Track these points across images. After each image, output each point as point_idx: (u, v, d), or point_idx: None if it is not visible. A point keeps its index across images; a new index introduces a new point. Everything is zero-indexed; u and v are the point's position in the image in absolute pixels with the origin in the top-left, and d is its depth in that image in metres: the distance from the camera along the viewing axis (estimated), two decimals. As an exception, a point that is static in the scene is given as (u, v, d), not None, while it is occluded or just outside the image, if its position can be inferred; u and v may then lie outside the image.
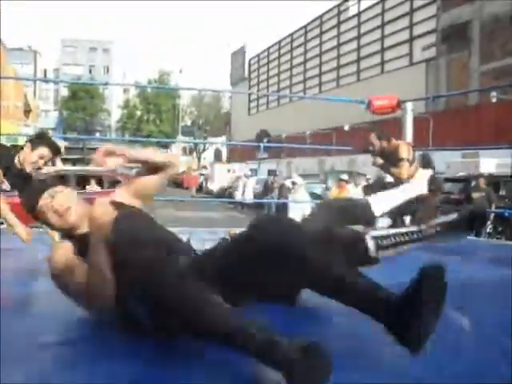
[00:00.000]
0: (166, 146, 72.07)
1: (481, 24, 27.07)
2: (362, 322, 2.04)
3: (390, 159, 5.55)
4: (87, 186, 13.87)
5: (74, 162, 55.72)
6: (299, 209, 10.39)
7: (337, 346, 1.90)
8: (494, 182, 14.19)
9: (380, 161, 5.67)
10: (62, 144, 41.87)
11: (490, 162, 17.38)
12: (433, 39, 30.84)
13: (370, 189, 6.14)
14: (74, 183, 13.64)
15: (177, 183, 40.47)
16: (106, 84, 42.07)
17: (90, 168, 19.32)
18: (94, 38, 77.41)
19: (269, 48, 52.95)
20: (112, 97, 75.44)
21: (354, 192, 10.07)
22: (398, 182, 5.52)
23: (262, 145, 22.04)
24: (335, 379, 1.66)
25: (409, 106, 7.05)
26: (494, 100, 21.86)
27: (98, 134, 73.22)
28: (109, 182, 14.08)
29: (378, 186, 6.16)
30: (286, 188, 11.42)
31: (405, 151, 5.48)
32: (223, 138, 68.93)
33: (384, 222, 4.07)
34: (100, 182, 13.98)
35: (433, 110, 26.24)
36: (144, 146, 71.38)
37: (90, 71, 77.02)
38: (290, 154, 33.22)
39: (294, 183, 10.57)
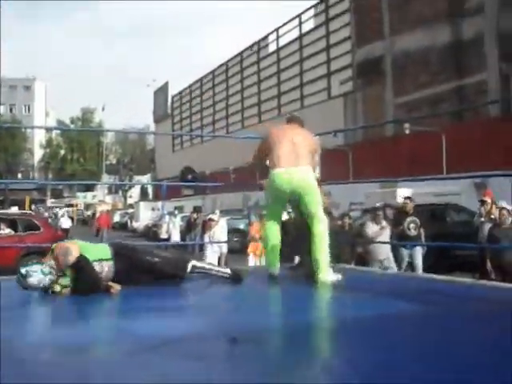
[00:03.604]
0: (90, 186, 70.94)
1: (392, 59, 28.10)
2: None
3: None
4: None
5: (-4, 203, 54.06)
6: (217, 246, 10.36)
7: None
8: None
9: None
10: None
11: (406, 192, 17.61)
12: (349, 74, 31.76)
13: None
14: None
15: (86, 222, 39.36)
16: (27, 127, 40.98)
17: (3, 211, 18.73)
18: (15, 75, 75.46)
19: (191, 85, 53.23)
20: (34, 136, 73.62)
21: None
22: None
23: (164, 184, 22.26)
24: None
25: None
26: (407, 131, 22.59)
27: (20, 175, 71.41)
28: (24, 225, 13.68)
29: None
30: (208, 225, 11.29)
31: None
32: (149, 176, 68.44)
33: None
34: (14, 226, 13.53)
35: (353, 142, 26.91)
36: (68, 186, 70.24)
37: (11, 110, 74.81)
38: (215, 190, 33.18)
39: (210, 220, 10.52)
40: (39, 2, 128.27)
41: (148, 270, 4.42)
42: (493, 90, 23.16)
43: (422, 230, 10.75)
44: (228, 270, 4.88)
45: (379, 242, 10.08)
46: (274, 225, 5.13)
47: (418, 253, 10.65)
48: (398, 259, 10.55)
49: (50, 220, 30.86)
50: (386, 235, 10.33)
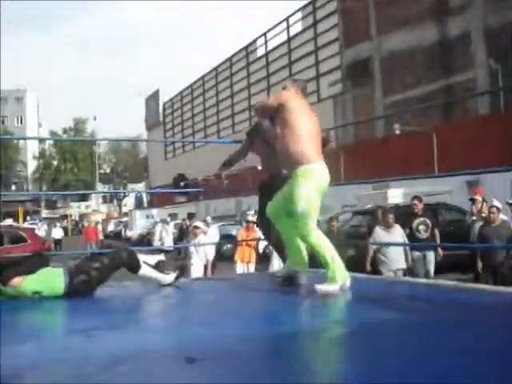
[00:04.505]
0: (85, 195, 70.77)
1: (380, 60, 28.03)
2: None
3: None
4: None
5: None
6: (203, 254, 10.10)
7: None
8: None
9: None
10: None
11: (397, 192, 17.42)
12: (338, 76, 31.67)
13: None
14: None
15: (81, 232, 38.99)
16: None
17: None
18: (5, 87, 75.07)
19: (182, 91, 53.13)
20: (27, 148, 73.36)
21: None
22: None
23: (141, 192, 21.91)
24: None
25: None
26: (397, 132, 22.46)
27: (14, 187, 71.06)
28: (10, 238, 13.51)
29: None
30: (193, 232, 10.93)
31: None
32: (143, 184, 68.28)
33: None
34: (0, 239, 13.34)
35: (342, 144, 26.79)
36: (62, 197, 70.04)
37: (3, 122, 74.44)
38: (208, 196, 33.04)
39: (196, 227, 10.31)
40: (26, 14, 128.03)
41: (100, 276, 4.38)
42: (481, 86, 23.09)
43: (436, 232, 9.77)
44: (169, 278, 4.68)
45: (389, 244, 8.96)
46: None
47: (431, 257, 9.66)
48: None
49: (44, 231, 30.67)
50: (398, 239, 9.16)
